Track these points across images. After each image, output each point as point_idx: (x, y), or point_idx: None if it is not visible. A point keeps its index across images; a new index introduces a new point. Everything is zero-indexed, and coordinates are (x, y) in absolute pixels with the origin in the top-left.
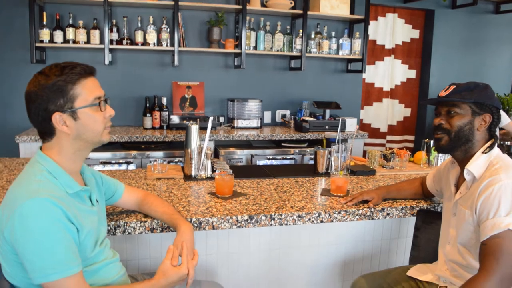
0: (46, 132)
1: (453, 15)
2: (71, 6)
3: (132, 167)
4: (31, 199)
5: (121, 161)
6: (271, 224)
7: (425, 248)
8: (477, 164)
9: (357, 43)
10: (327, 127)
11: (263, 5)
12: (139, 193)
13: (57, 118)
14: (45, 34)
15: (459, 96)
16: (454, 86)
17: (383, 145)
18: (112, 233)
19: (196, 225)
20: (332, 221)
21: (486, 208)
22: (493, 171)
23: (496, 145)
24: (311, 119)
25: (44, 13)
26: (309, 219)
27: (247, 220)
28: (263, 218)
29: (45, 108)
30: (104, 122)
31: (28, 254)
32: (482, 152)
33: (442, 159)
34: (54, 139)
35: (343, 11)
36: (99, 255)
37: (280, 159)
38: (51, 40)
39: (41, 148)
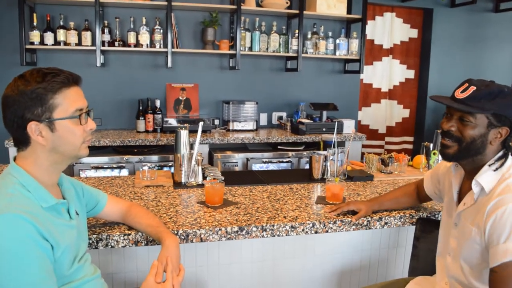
0: (21, 141)
1: (452, 14)
2: (62, 7)
3: (124, 172)
4: (0, 215)
5: (113, 165)
6: (262, 236)
7: (425, 259)
8: (487, 176)
9: (355, 43)
10: (324, 129)
11: (258, 5)
12: (123, 204)
13: (33, 128)
14: (35, 35)
15: (478, 104)
16: (474, 88)
17: (381, 146)
18: (94, 247)
19: (183, 237)
20: (327, 231)
21: (496, 231)
22: (505, 188)
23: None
24: (308, 121)
25: (35, 14)
26: (303, 230)
27: (237, 231)
28: (254, 229)
29: (21, 116)
30: (83, 136)
31: None
32: (489, 166)
33: None
34: (29, 149)
35: (340, 10)
36: (77, 272)
37: (276, 162)
38: (42, 42)
39: (15, 158)
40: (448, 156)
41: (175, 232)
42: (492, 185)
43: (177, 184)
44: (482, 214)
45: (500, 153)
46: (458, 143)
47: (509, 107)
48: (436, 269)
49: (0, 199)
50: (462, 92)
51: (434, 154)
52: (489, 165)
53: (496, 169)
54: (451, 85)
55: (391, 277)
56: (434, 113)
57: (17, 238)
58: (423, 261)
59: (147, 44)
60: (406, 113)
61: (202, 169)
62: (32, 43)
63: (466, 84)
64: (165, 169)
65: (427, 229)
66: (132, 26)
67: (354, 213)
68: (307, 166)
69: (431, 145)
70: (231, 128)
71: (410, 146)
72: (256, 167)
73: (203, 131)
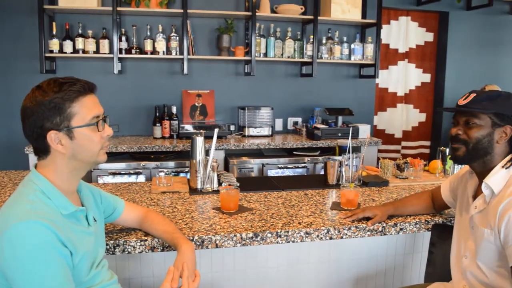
0: (41, 150)
1: (468, 17)
2: (80, 16)
3: (141, 177)
4: (21, 221)
5: (130, 171)
6: (277, 242)
7: (441, 265)
8: (496, 178)
9: (370, 48)
10: (339, 134)
11: (273, 11)
12: (140, 210)
13: (52, 137)
14: (54, 44)
15: (480, 106)
16: (475, 94)
17: (398, 151)
18: (111, 252)
19: (198, 243)
20: (342, 237)
21: None
22: None
23: None
24: (323, 126)
25: (54, 23)
26: (318, 236)
27: (252, 237)
28: (269, 235)
29: (41, 125)
30: (101, 143)
31: (18, 279)
32: (502, 167)
33: (459, 168)
34: (49, 157)
35: (355, 15)
36: (95, 278)
37: (292, 168)
38: (61, 50)
39: (36, 166)
40: (458, 159)
41: (191, 238)
42: (501, 186)
43: (193, 190)
44: (494, 215)
45: (510, 156)
46: (465, 145)
47: (509, 107)
48: (452, 274)
49: (21, 206)
50: (464, 99)
51: (450, 159)
52: (501, 167)
53: (507, 168)
54: (468, 88)
55: (407, 283)
56: (451, 117)
57: (37, 244)
58: (439, 267)
59: (163, 51)
60: (422, 117)
61: (218, 175)
62: (51, 51)
63: (467, 94)
64: (181, 175)
65: (443, 235)
66: (148, 33)
67: (369, 218)
68: (322, 172)
69: (447, 150)
70: (246, 133)
71: (427, 151)
72: (272, 172)
73: (219, 137)
